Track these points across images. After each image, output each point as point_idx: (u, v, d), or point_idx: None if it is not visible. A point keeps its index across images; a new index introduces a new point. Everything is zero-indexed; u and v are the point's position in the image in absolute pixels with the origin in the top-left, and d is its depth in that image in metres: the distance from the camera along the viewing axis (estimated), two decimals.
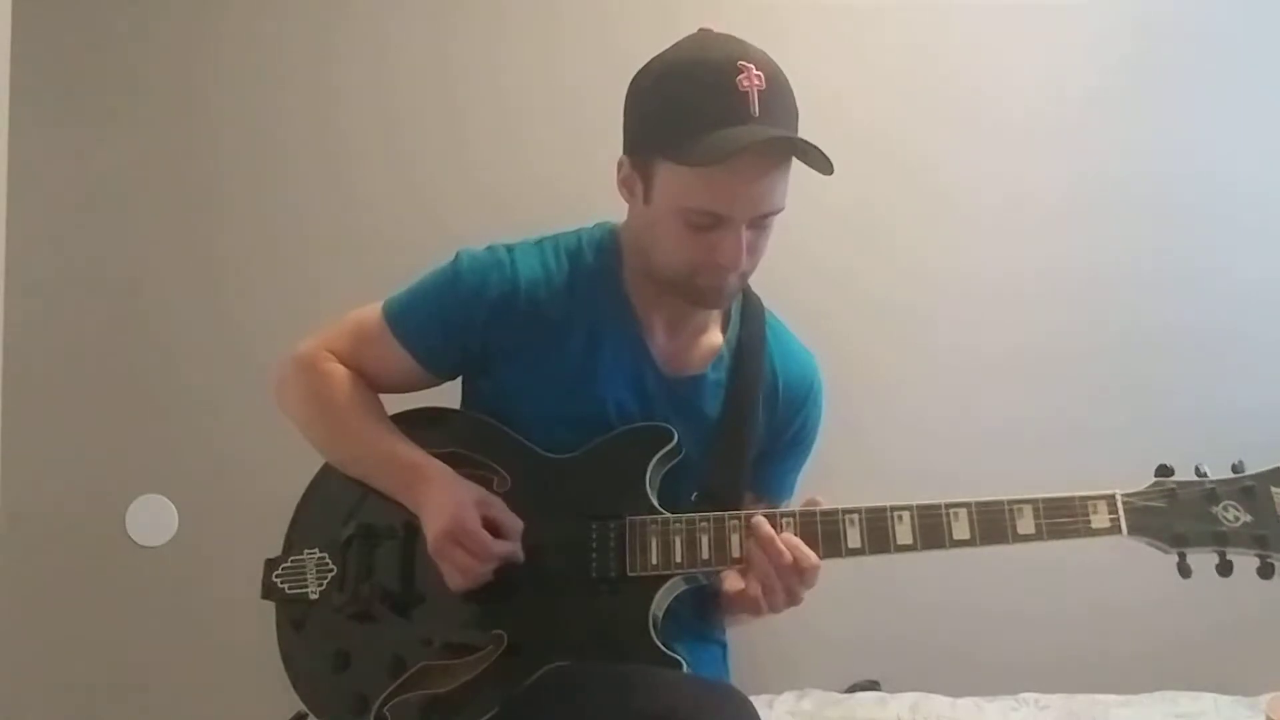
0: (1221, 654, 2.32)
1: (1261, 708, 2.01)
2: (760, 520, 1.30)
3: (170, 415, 2.49)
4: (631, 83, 1.37)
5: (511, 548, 1.33)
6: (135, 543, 2.46)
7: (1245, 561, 1.23)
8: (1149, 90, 2.56)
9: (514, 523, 1.34)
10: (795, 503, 1.49)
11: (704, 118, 1.26)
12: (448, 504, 1.32)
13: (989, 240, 2.54)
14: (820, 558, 1.29)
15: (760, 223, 1.33)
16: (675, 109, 1.29)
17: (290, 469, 1.47)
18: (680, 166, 1.28)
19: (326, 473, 1.49)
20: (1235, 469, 1.25)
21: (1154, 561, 1.29)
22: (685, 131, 1.26)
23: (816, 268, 2.43)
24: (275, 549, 1.48)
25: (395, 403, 1.49)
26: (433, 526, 1.32)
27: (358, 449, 1.44)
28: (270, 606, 1.45)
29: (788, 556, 1.28)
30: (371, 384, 1.48)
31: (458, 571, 1.31)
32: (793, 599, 1.30)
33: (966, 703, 2.11)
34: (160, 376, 2.50)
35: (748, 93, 1.26)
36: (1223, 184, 2.54)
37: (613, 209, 1.48)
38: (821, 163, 1.28)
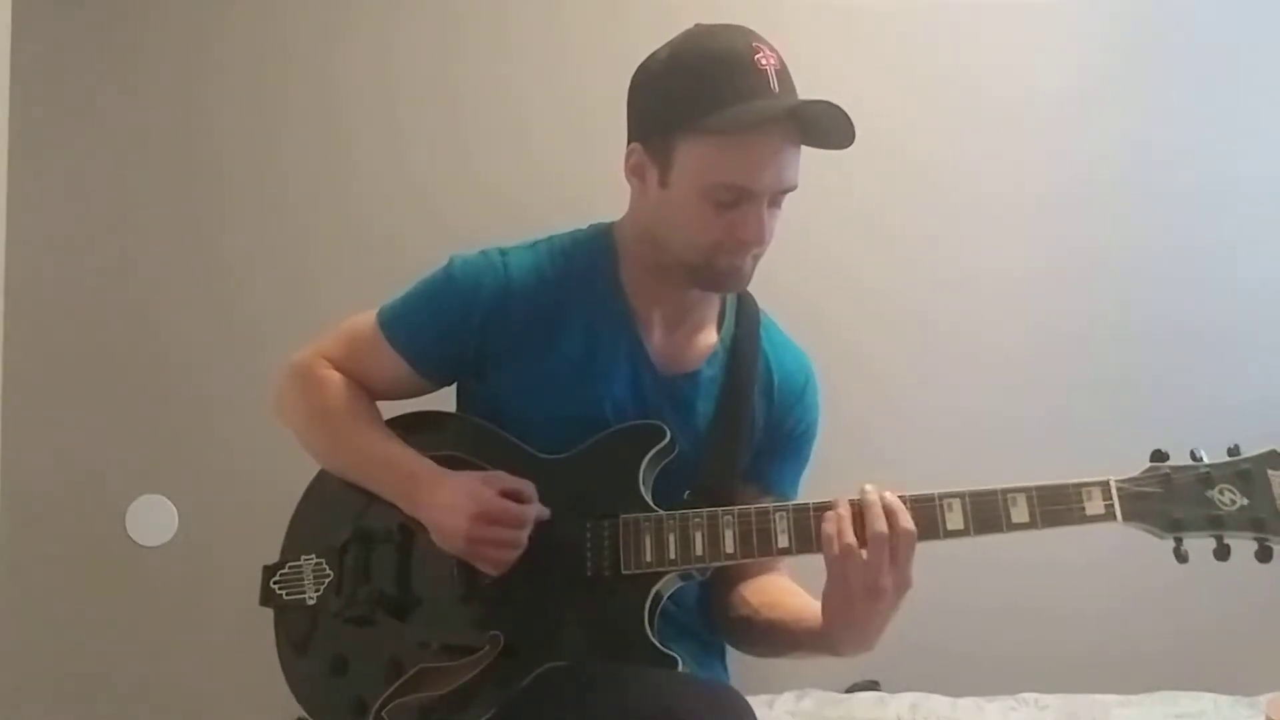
0: (1221, 654, 2.32)
1: (1261, 708, 2.01)
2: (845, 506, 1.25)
3: (170, 415, 2.49)
4: (638, 71, 1.38)
5: (538, 508, 1.33)
6: (135, 543, 2.47)
7: (1243, 549, 1.21)
8: (1149, 84, 2.55)
9: (526, 486, 1.34)
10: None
11: (729, 91, 1.28)
12: (458, 497, 1.32)
13: (987, 234, 2.54)
14: (812, 552, 1.28)
15: (777, 199, 1.34)
16: (697, 85, 1.30)
17: (290, 468, 1.48)
18: (706, 140, 1.29)
19: (321, 479, 1.49)
20: (1231, 452, 1.23)
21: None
22: (711, 105, 1.28)
23: (813, 262, 2.43)
24: (275, 549, 1.48)
25: (390, 407, 1.49)
26: (448, 523, 1.32)
27: (354, 456, 1.44)
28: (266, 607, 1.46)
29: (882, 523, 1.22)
30: (368, 391, 1.48)
31: (500, 548, 1.31)
32: (901, 576, 1.22)
33: (966, 703, 2.11)
34: (160, 376, 2.50)
35: (766, 70, 1.30)
36: (1222, 178, 2.53)
37: (616, 208, 1.48)
38: (842, 134, 1.29)
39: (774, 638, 1.44)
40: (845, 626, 1.28)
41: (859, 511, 1.24)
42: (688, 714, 1.18)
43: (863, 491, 1.25)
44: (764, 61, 1.30)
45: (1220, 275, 2.51)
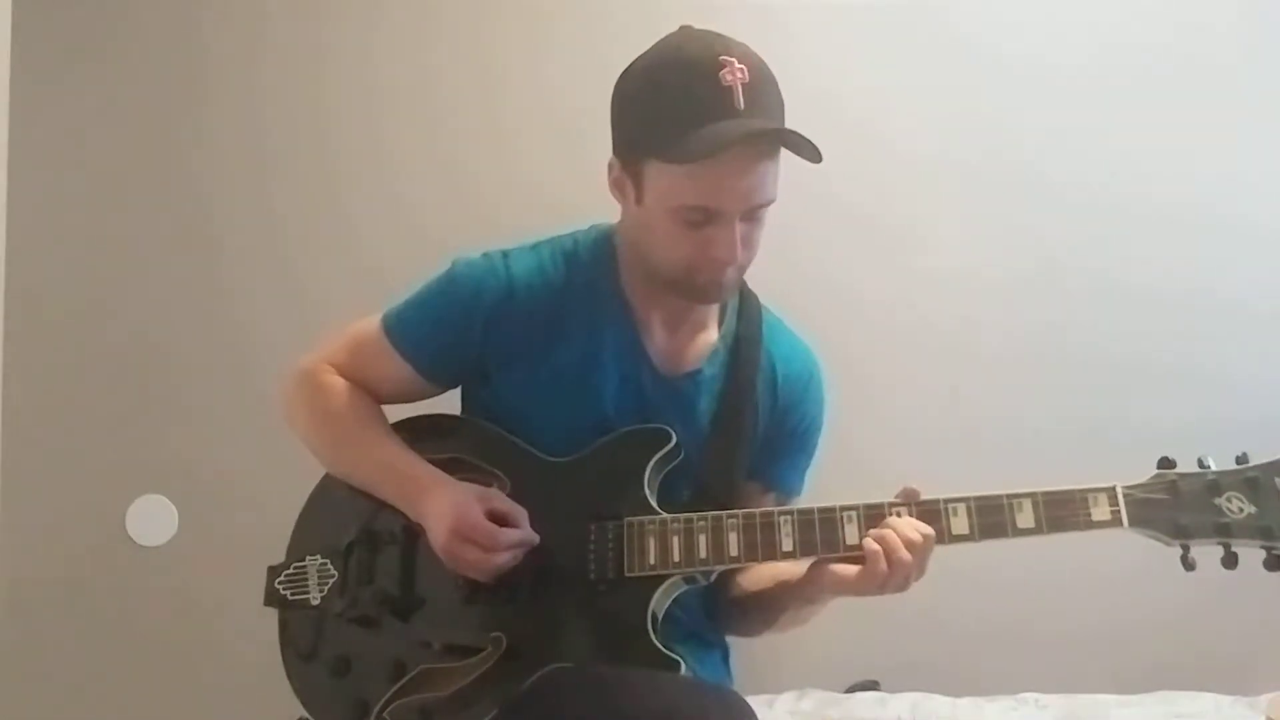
0: (1221, 654, 2.32)
1: (1261, 708, 2.01)
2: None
3: (170, 415, 2.49)
4: (616, 85, 1.37)
5: (521, 534, 1.32)
6: (135, 543, 2.47)
7: (1249, 557, 1.21)
8: (1151, 97, 2.55)
9: (518, 511, 1.34)
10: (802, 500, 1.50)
11: (689, 115, 1.26)
12: (448, 506, 1.32)
13: (990, 237, 2.53)
14: (815, 555, 1.30)
15: (753, 214, 1.33)
16: (659, 109, 1.29)
17: (289, 468, 1.47)
18: (669, 165, 1.28)
19: (328, 481, 1.49)
20: (1239, 460, 1.23)
21: (1154, 563, 1.28)
22: (671, 131, 1.26)
23: (810, 267, 2.42)
24: (275, 549, 1.48)
25: (397, 411, 1.50)
26: (438, 531, 1.32)
27: (358, 460, 1.44)
28: (270, 607, 1.46)
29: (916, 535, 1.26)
30: (373, 395, 1.49)
31: (472, 567, 1.31)
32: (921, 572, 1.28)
33: (966, 703, 2.11)
34: (160, 377, 2.50)
35: (731, 87, 1.26)
36: (1221, 190, 2.53)
37: (604, 214, 1.47)
38: (810, 152, 1.27)
39: (762, 607, 1.46)
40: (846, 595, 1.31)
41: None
42: (691, 717, 1.18)
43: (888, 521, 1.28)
44: (729, 77, 1.26)
45: (1227, 287, 2.51)
